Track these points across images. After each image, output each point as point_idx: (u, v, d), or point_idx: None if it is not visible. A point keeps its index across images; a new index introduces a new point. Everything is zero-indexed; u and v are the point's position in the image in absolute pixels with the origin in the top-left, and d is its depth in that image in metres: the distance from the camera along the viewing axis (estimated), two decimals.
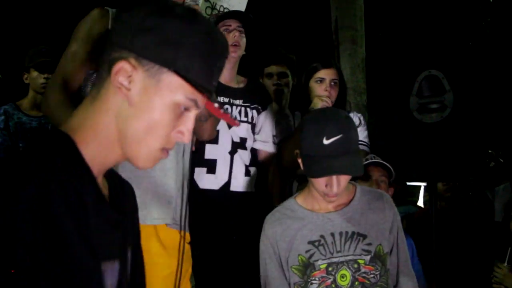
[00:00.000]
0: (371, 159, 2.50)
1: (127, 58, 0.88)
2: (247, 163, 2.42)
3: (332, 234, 1.64)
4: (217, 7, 3.12)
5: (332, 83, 2.51)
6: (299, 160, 1.64)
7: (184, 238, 1.65)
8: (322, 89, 2.49)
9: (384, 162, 2.48)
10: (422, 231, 3.08)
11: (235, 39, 2.37)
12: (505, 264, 2.57)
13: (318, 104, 2.43)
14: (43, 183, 0.79)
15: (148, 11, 0.89)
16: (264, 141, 2.47)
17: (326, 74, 2.52)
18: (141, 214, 1.52)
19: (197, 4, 1.82)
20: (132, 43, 0.88)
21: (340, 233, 1.64)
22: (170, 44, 0.87)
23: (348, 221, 1.65)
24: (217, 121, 2.00)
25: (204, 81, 0.91)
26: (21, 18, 5.25)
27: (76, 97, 1.69)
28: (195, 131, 1.92)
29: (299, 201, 1.73)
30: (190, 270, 1.89)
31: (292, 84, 3.03)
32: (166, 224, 1.76)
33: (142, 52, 0.88)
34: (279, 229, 1.68)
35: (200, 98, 0.92)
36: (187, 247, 1.86)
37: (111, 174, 1.03)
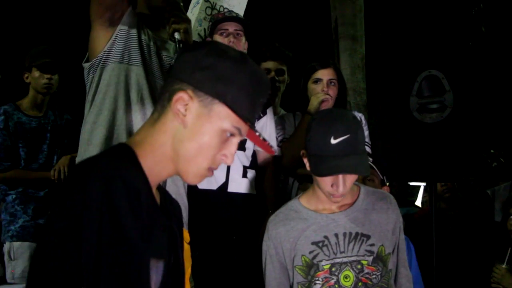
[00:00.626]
0: None
1: (186, 89, 1.06)
2: (246, 164, 2.42)
3: (336, 235, 1.65)
4: (217, 7, 3.12)
5: (330, 83, 2.51)
6: (305, 160, 1.65)
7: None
8: (319, 89, 2.49)
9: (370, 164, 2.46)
10: (422, 231, 3.08)
11: (230, 44, 2.38)
12: (504, 264, 2.57)
13: (314, 102, 2.43)
14: (109, 180, 0.95)
15: (206, 52, 1.07)
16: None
17: (323, 74, 2.52)
18: None
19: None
20: (191, 77, 1.06)
21: (344, 234, 1.65)
22: (222, 80, 1.05)
23: (352, 221, 1.66)
24: None
25: (247, 112, 1.07)
26: (20, 18, 5.25)
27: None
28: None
29: (303, 202, 1.73)
30: (189, 270, 1.90)
31: (286, 83, 3.04)
32: None
33: (199, 86, 1.06)
34: (283, 230, 1.68)
35: (243, 127, 1.09)
36: (187, 247, 1.86)
37: (163, 190, 1.21)
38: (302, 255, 1.65)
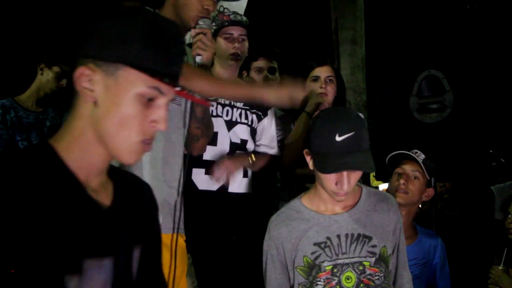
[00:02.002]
0: None
1: (86, 63, 0.95)
2: None
3: (338, 236, 1.63)
4: (218, 6, 3.12)
5: (328, 80, 2.52)
6: (308, 158, 1.64)
7: (177, 241, 1.65)
8: (317, 87, 2.50)
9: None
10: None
11: (235, 50, 2.39)
12: (501, 265, 2.58)
13: (312, 103, 2.43)
14: (16, 187, 0.86)
15: (95, 17, 0.97)
16: (270, 146, 2.48)
17: (320, 71, 2.53)
18: None
19: (209, 28, 1.85)
20: (87, 48, 0.96)
21: (346, 235, 1.64)
22: (119, 41, 0.94)
23: (354, 223, 1.65)
24: (208, 139, 2.04)
25: (160, 67, 0.96)
26: (19, 17, 5.25)
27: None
28: (187, 147, 1.92)
29: (304, 202, 1.72)
30: (185, 268, 1.90)
31: (278, 81, 3.04)
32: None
33: (97, 55, 0.95)
34: (285, 231, 1.67)
35: (163, 85, 0.97)
36: (183, 247, 1.87)
37: (123, 175, 1.11)
38: (304, 256, 1.63)
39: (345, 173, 1.54)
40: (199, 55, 1.79)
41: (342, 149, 1.51)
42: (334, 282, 1.61)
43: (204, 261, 2.32)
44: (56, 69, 2.93)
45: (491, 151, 3.69)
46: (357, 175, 1.59)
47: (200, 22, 1.80)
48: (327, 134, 1.53)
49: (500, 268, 2.57)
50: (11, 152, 1.00)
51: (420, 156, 2.36)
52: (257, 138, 2.48)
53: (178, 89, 1.01)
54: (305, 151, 1.65)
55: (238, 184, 2.39)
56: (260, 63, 2.95)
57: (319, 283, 1.61)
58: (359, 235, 1.64)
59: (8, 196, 0.85)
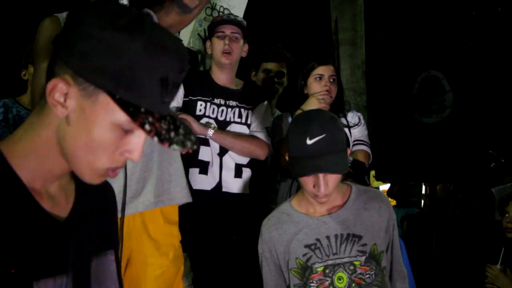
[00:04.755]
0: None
1: (63, 75, 0.83)
2: (244, 163, 2.42)
3: (328, 237, 1.65)
4: (217, 7, 3.12)
5: (331, 79, 2.52)
6: (288, 162, 1.64)
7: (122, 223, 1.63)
8: (321, 86, 2.49)
9: (361, 160, 2.43)
10: (422, 231, 3.08)
11: (226, 47, 2.38)
12: (498, 264, 2.57)
13: (314, 104, 2.42)
14: None
15: (90, 20, 0.82)
16: (256, 130, 2.46)
17: (324, 70, 2.53)
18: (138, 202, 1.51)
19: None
20: (70, 57, 0.82)
21: (336, 236, 1.65)
22: (107, 60, 0.80)
23: (343, 223, 1.66)
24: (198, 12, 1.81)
25: (147, 102, 0.82)
26: (17, 16, 5.25)
27: None
28: (170, 26, 1.68)
29: (294, 205, 1.73)
30: (182, 269, 1.90)
31: (284, 86, 3.05)
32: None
33: (78, 70, 0.81)
34: (276, 234, 1.69)
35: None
36: (179, 245, 1.87)
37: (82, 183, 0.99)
38: (296, 258, 1.65)
39: (321, 175, 1.55)
40: None
41: (313, 152, 1.51)
42: (327, 283, 1.62)
43: (199, 260, 2.33)
44: (30, 67, 2.97)
45: (490, 151, 3.69)
46: (335, 177, 1.59)
47: None
48: (299, 138, 1.54)
49: (497, 267, 2.57)
50: None
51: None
52: (250, 124, 2.48)
53: (149, 132, 0.83)
54: (285, 154, 1.66)
55: (232, 184, 2.39)
56: (270, 65, 2.97)
57: (312, 284, 1.63)
58: (348, 235, 1.65)
59: None
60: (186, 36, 3.16)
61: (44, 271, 0.85)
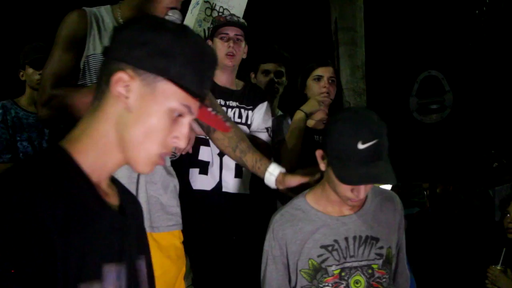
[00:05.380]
0: None
1: (125, 69, 0.96)
2: None
3: (346, 239, 1.58)
4: (217, 7, 3.12)
5: (330, 81, 2.52)
6: (322, 162, 1.55)
7: None
8: (320, 86, 2.49)
9: None
10: (422, 231, 3.08)
11: (230, 49, 2.38)
12: (499, 265, 2.57)
13: (314, 105, 2.42)
14: (29, 193, 0.84)
15: (142, 27, 0.98)
16: (256, 131, 2.45)
17: (323, 71, 2.53)
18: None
19: (180, 20, 1.79)
20: (129, 55, 0.96)
21: (354, 238, 1.58)
22: (163, 55, 0.95)
23: (362, 225, 1.59)
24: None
25: (195, 88, 0.98)
26: (17, 16, 5.25)
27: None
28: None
29: (310, 202, 1.64)
30: (184, 269, 1.89)
31: (284, 85, 3.05)
32: None
33: (138, 63, 0.96)
34: (290, 232, 1.60)
35: (193, 104, 1.00)
36: (181, 246, 1.87)
37: (123, 187, 1.12)
38: (310, 259, 1.57)
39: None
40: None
41: (364, 158, 1.41)
42: (342, 286, 1.56)
43: (199, 260, 2.32)
44: (28, 67, 2.96)
45: (493, 151, 3.69)
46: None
47: (170, 13, 1.74)
48: (348, 141, 1.43)
49: (498, 268, 2.57)
50: (25, 161, 1.03)
51: None
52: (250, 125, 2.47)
53: (209, 109, 1.05)
54: (319, 152, 1.57)
55: (232, 184, 2.39)
56: (268, 65, 2.97)
57: (326, 287, 1.56)
58: (367, 237, 1.59)
59: (29, 205, 0.83)
60: None
61: (108, 257, 0.95)
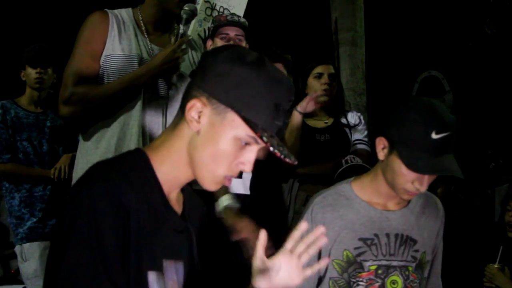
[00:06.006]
0: (351, 160, 2.41)
1: (200, 97, 1.05)
2: None
3: (387, 235, 1.51)
4: (217, 7, 3.12)
5: (331, 78, 2.52)
6: (382, 148, 1.49)
7: None
8: (321, 83, 2.50)
9: (364, 164, 2.40)
10: None
11: None
12: (496, 263, 2.58)
13: (304, 101, 2.41)
14: (115, 182, 1.00)
15: (223, 57, 1.06)
16: None
17: (324, 69, 2.53)
18: None
19: (194, 11, 1.83)
20: (206, 84, 1.05)
21: (396, 235, 1.51)
22: (236, 87, 1.03)
23: (405, 223, 1.53)
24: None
25: (263, 121, 1.03)
26: (18, 16, 5.26)
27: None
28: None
29: (355, 189, 1.56)
30: None
31: None
32: None
33: (212, 93, 1.04)
34: (330, 216, 1.52)
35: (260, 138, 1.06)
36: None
37: (190, 193, 1.22)
38: (345, 250, 1.49)
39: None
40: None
41: (436, 149, 1.36)
42: (377, 285, 1.49)
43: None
44: (27, 67, 2.98)
45: (490, 152, 3.69)
46: (433, 177, 1.45)
47: (186, 8, 1.78)
48: (423, 129, 1.37)
49: (495, 266, 2.57)
50: (113, 159, 1.15)
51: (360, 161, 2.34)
52: None
53: (271, 149, 1.05)
54: (380, 140, 1.50)
55: (232, 184, 2.38)
56: None
57: (361, 283, 1.49)
58: (407, 237, 1.52)
59: (117, 193, 0.98)
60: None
61: (169, 254, 1.08)
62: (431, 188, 2.88)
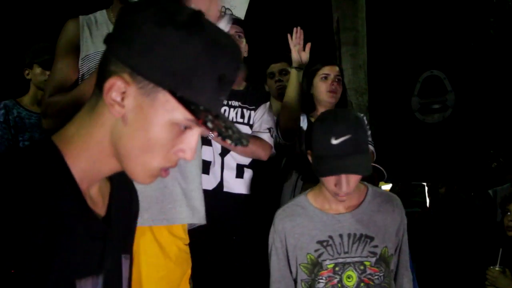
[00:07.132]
0: None
1: (120, 73, 0.81)
2: (245, 163, 2.42)
3: (341, 236, 1.66)
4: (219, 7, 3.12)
5: (337, 79, 2.53)
6: (310, 159, 1.66)
7: None
8: (328, 85, 2.51)
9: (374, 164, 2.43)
10: (423, 231, 3.08)
11: None
12: (497, 266, 2.58)
13: (295, 56, 2.45)
14: (12, 196, 0.76)
15: (146, 18, 0.80)
16: (258, 131, 2.45)
17: (330, 70, 2.54)
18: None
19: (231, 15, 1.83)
20: (127, 56, 0.81)
21: (348, 235, 1.66)
22: (166, 59, 0.79)
23: (357, 223, 1.68)
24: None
25: (205, 100, 0.81)
26: (19, 15, 5.27)
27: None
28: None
29: (310, 199, 1.74)
30: (189, 272, 1.89)
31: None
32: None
33: (136, 67, 0.80)
34: (289, 225, 1.70)
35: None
36: (187, 248, 1.86)
37: (120, 177, 0.97)
38: (308, 253, 1.66)
39: (343, 175, 1.56)
40: None
41: (338, 152, 1.52)
42: (335, 281, 1.64)
43: (199, 260, 2.33)
44: (36, 67, 2.97)
45: (491, 151, 3.69)
46: (356, 177, 1.60)
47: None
48: (323, 137, 1.55)
49: (496, 268, 2.58)
50: (12, 153, 0.89)
51: None
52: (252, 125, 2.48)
53: (210, 134, 0.88)
54: (308, 152, 1.67)
55: (233, 184, 2.39)
56: (271, 68, 3.01)
57: (321, 280, 1.64)
58: (361, 235, 1.67)
59: (9, 201, 0.75)
60: None
61: (85, 270, 0.86)
62: (433, 188, 2.89)
